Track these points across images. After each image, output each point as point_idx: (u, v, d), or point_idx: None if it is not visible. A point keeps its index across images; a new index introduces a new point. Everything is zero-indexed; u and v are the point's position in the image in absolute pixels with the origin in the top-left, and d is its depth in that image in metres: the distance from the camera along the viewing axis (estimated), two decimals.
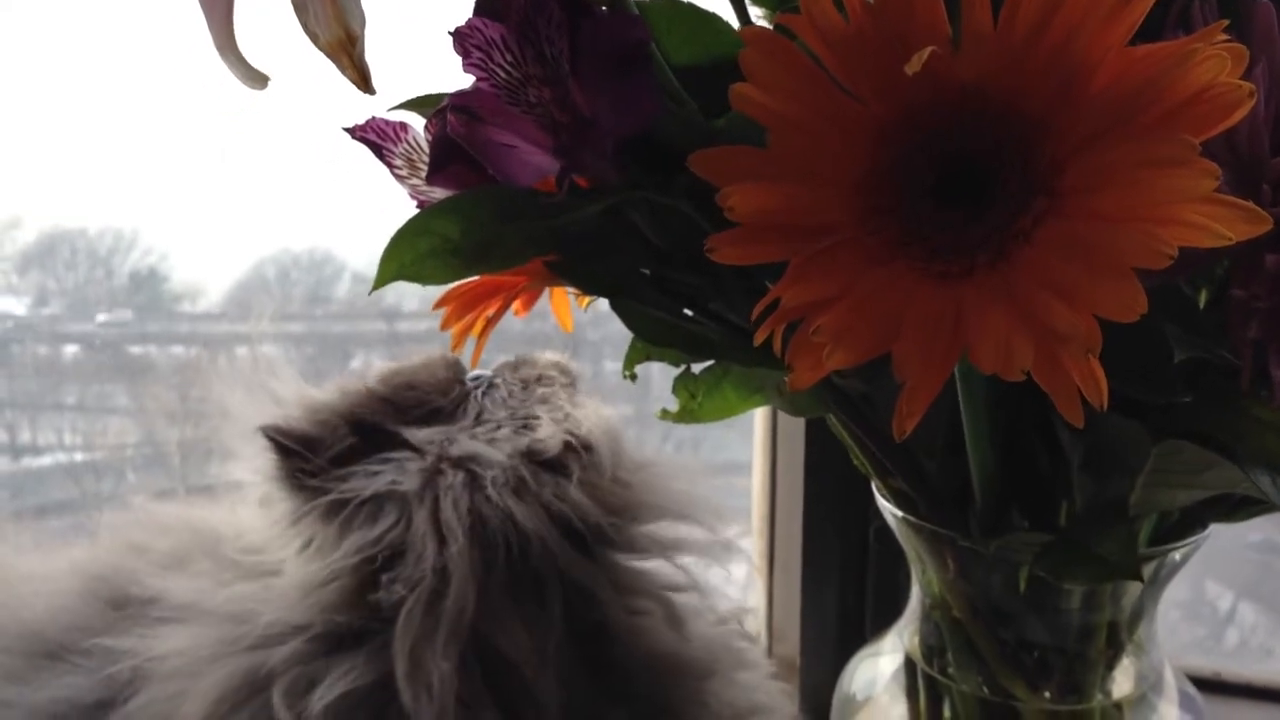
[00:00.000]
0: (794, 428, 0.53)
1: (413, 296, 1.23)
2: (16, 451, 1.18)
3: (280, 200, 1.04)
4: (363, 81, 0.21)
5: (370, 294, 0.27)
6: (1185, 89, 0.21)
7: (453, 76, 0.28)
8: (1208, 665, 0.56)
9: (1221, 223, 0.21)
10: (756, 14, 0.34)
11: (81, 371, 1.20)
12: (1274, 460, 0.25)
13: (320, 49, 0.20)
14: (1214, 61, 0.21)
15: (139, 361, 1.20)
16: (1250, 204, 0.21)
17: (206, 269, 1.18)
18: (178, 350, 1.24)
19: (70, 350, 1.20)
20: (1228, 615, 0.93)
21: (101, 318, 1.12)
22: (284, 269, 1.20)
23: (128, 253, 1.17)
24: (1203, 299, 0.29)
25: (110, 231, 1.16)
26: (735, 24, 0.32)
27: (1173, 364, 0.24)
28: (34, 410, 1.19)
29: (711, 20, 0.30)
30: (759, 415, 0.56)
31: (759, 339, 0.23)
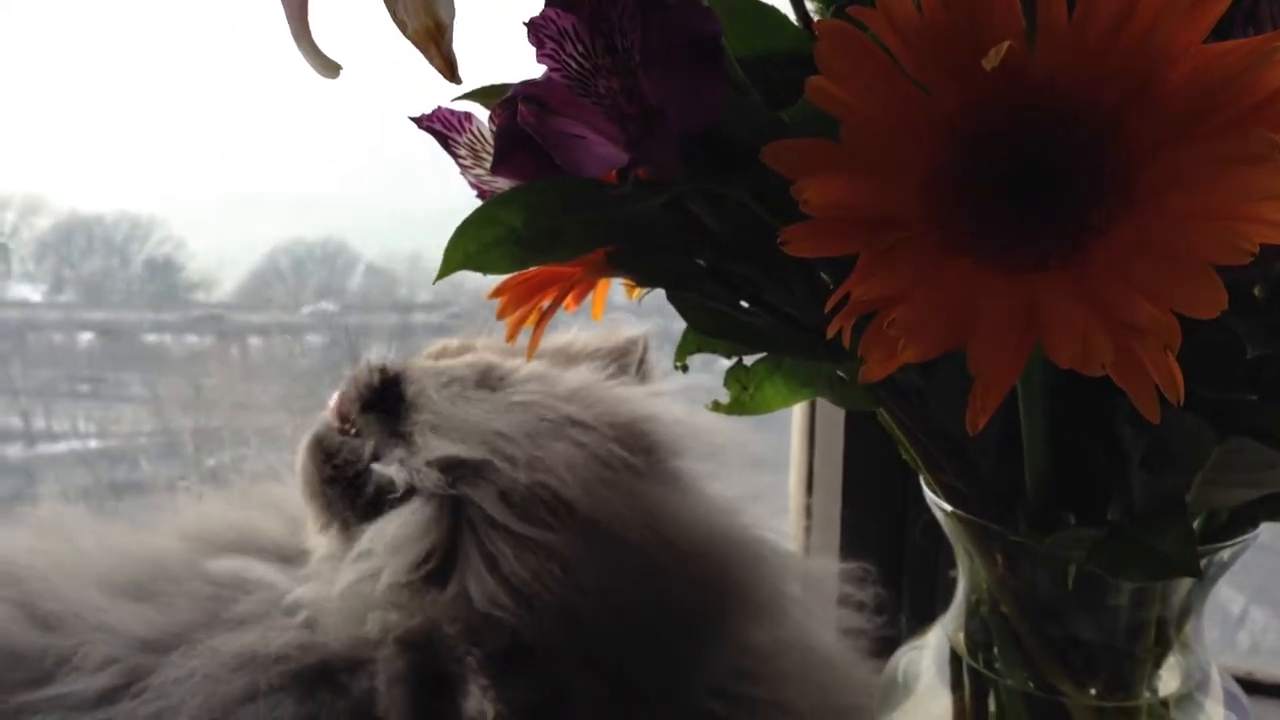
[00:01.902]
0: (833, 421, 0.53)
1: (425, 289, 1.23)
2: (31, 438, 1.18)
3: (295, 190, 1.04)
4: (449, 70, 0.21)
5: (434, 283, 0.28)
6: (1264, 87, 0.21)
7: (510, 67, 0.29)
8: (1240, 665, 0.57)
9: None
10: (811, 6, 0.34)
11: (96, 359, 1.21)
12: None
13: (408, 38, 0.21)
14: None
15: (153, 350, 1.20)
16: None
17: (221, 258, 1.19)
18: (192, 339, 1.24)
19: (85, 338, 1.21)
20: (1239, 618, 0.93)
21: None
22: (298, 259, 1.20)
23: (144, 241, 1.17)
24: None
25: (127, 219, 1.16)
26: (792, 17, 0.32)
27: (1244, 361, 0.24)
28: (49, 397, 1.19)
29: (769, 12, 0.30)
30: (797, 408, 0.56)
31: (830, 332, 0.23)
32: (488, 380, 0.43)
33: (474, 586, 0.36)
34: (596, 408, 0.41)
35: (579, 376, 0.43)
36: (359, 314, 1.22)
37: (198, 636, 0.36)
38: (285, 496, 0.46)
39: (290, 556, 0.42)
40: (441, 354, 0.47)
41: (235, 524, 0.42)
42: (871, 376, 0.23)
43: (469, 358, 0.45)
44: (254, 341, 1.26)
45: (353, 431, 0.42)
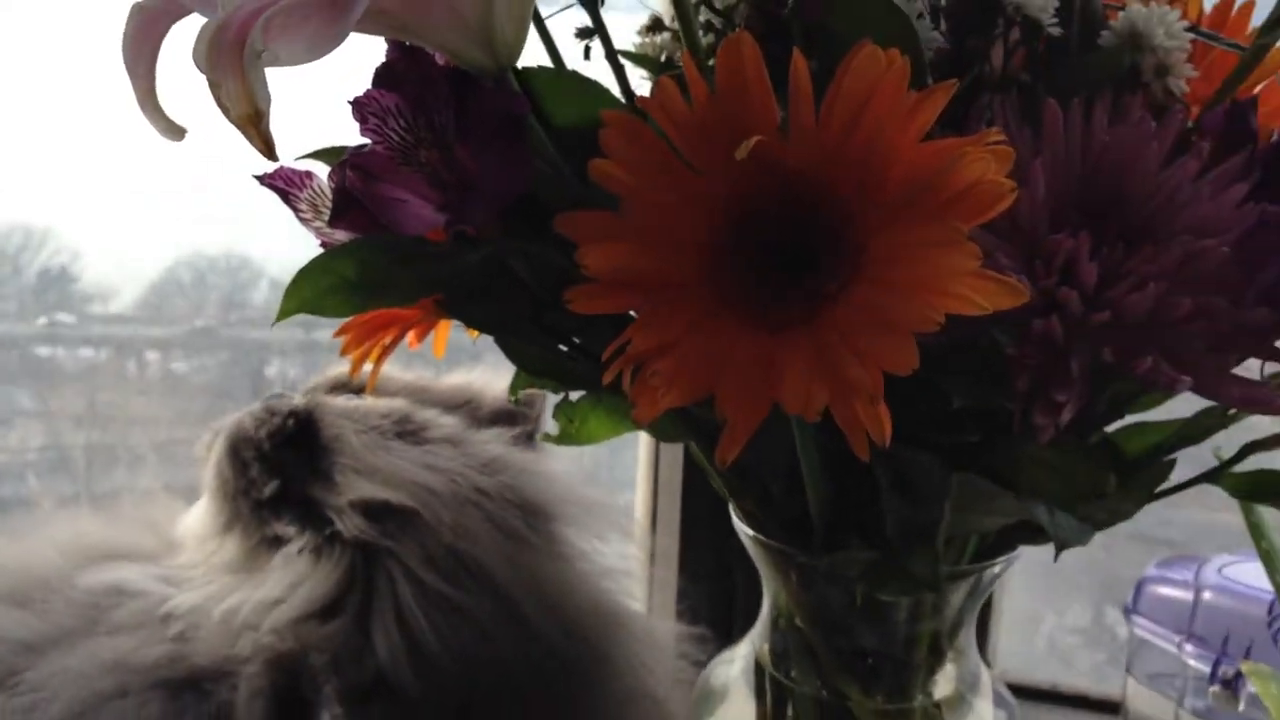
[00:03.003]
0: (674, 450, 0.58)
1: None
2: None
3: (196, 202, 1.05)
4: (268, 150, 0.25)
5: (272, 326, 0.31)
6: (957, 183, 0.26)
7: (352, 128, 0.33)
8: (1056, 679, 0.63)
9: (984, 295, 0.25)
10: (641, 74, 0.39)
11: None
12: (1044, 491, 0.30)
13: (231, 121, 0.24)
14: (981, 162, 0.26)
15: (46, 363, 1.19)
16: (1009, 278, 0.26)
17: (119, 270, 1.18)
18: (87, 353, 1.24)
19: None
20: (1125, 640, 0.99)
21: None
22: (199, 273, 1.21)
23: (37, 251, 1.17)
24: None
25: (20, 229, 1.15)
26: (616, 89, 0.36)
27: (949, 409, 0.29)
28: None
29: (593, 87, 0.34)
30: (643, 439, 0.61)
31: (607, 379, 0.28)
32: (405, 431, 0.46)
33: (380, 639, 0.39)
34: (504, 480, 0.44)
35: (489, 446, 0.46)
36: (262, 329, 1.22)
37: (74, 640, 0.39)
38: (161, 519, 0.48)
39: (166, 573, 0.44)
40: (339, 385, 0.50)
41: (110, 539, 0.45)
42: (641, 418, 0.27)
43: (384, 404, 0.48)
44: (151, 356, 1.25)
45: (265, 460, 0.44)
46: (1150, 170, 0.30)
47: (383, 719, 0.37)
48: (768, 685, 0.39)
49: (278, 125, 0.28)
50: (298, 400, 0.46)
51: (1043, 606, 0.95)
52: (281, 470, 0.43)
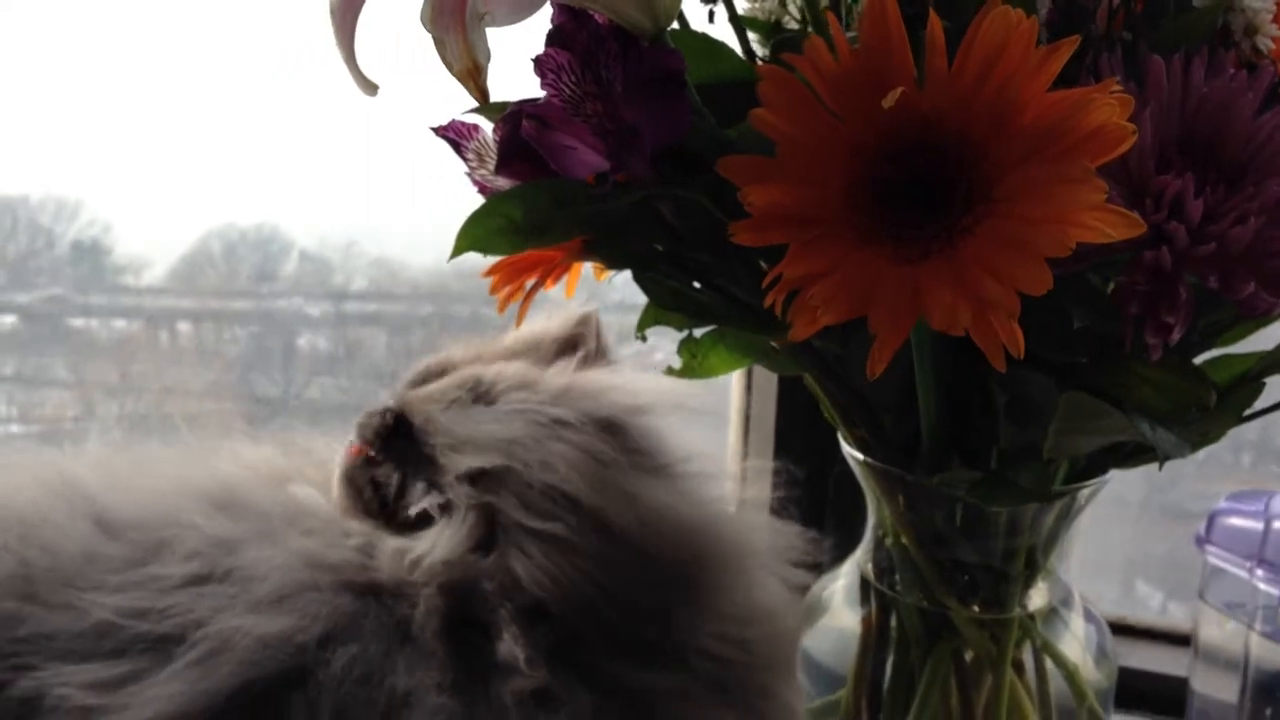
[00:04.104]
0: (767, 388, 0.62)
1: (362, 277, 1.28)
2: None
3: (228, 174, 1.07)
4: (483, 98, 0.29)
5: (449, 260, 0.35)
6: (1085, 127, 0.30)
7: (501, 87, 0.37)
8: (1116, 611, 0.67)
9: (1108, 226, 0.30)
10: (754, 38, 0.43)
11: (20, 342, 1.22)
12: (1150, 408, 0.35)
13: (454, 75, 0.28)
14: (1106, 108, 0.30)
15: (79, 334, 1.22)
16: (1129, 212, 0.30)
17: (151, 242, 1.20)
18: (120, 324, 1.27)
19: (8, 320, 1.23)
20: (1157, 614, 1.04)
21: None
22: (230, 244, 1.23)
23: (70, 223, 1.19)
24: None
25: (53, 201, 1.17)
26: (739, 49, 0.41)
27: (1072, 329, 0.33)
28: None
29: (720, 48, 0.39)
30: (736, 379, 0.65)
31: (767, 303, 0.32)
32: (479, 394, 0.50)
33: (522, 574, 0.43)
34: (580, 406, 0.47)
35: (558, 378, 0.50)
36: (293, 300, 1.25)
37: (273, 537, 0.43)
38: (325, 457, 0.51)
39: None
40: (425, 376, 0.53)
41: (282, 464, 0.49)
42: (798, 336, 0.32)
43: (454, 377, 0.51)
44: (183, 327, 1.29)
45: (379, 459, 0.48)
46: (1245, 118, 0.34)
47: (549, 642, 0.42)
48: (873, 597, 0.44)
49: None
50: (385, 401, 0.51)
51: (1071, 580, 1.00)
52: (398, 460, 0.47)
